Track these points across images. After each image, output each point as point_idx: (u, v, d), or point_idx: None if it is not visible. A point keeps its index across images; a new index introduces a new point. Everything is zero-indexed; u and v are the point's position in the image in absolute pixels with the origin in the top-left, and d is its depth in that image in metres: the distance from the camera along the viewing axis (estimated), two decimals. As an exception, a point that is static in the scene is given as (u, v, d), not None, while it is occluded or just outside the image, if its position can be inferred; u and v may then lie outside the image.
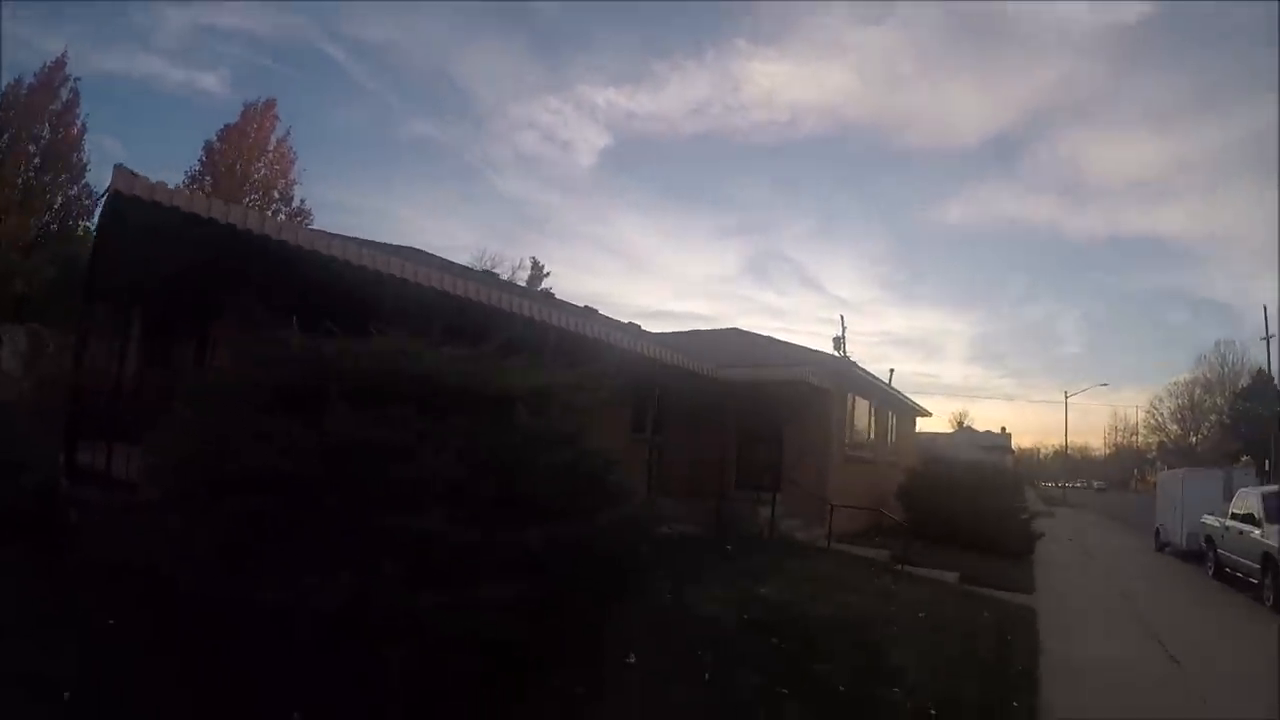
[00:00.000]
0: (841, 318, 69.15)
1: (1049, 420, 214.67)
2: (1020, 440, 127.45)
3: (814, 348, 25.84)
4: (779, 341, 27.51)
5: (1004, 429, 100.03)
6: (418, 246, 21.08)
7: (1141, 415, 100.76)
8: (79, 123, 36.59)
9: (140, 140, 70.26)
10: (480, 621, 5.15)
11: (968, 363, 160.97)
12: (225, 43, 72.48)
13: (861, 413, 24.78)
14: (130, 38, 66.12)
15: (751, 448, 21.20)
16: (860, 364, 24.25)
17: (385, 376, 6.17)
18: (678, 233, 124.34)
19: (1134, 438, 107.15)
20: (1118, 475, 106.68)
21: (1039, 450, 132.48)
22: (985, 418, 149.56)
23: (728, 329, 30.48)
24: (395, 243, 20.26)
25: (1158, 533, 28.66)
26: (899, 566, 15.90)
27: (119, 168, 8.25)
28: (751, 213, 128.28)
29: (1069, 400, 75.71)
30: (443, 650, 5.28)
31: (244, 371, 6.91)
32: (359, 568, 5.06)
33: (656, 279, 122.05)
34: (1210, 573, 20.54)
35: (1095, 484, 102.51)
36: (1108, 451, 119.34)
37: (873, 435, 25.96)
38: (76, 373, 13.17)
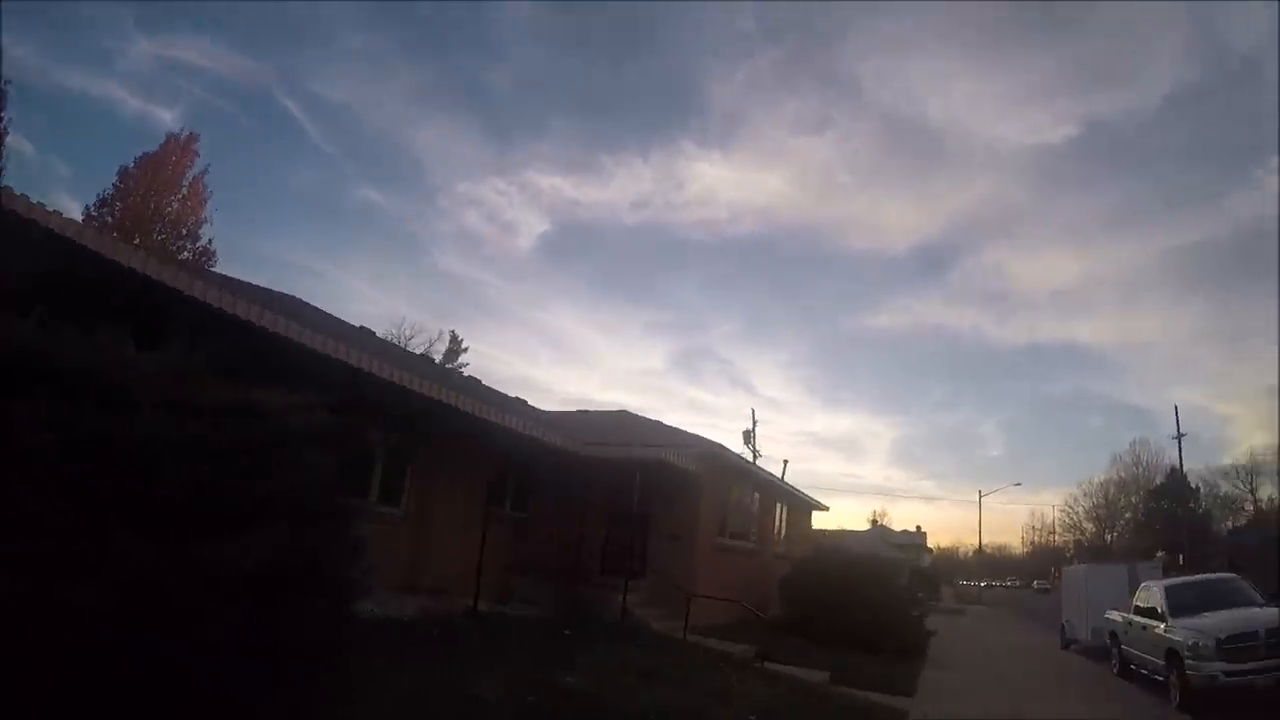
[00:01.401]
0: (752, 411, 67.54)
1: (968, 520, 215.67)
2: (940, 540, 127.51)
3: (719, 439, 24.37)
4: (666, 426, 25.94)
5: (919, 527, 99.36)
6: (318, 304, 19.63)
7: (1058, 514, 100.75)
8: (3, 125, 34.06)
9: (85, 162, 71.62)
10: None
11: (889, 464, 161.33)
12: (187, 79, 72.95)
13: (739, 501, 23.31)
14: (95, 60, 67.10)
15: (619, 531, 19.28)
16: (730, 449, 22.74)
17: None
18: (610, 324, 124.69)
19: (1052, 536, 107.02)
20: (1035, 573, 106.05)
21: (958, 549, 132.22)
22: (905, 517, 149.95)
23: (617, 411, 29.27)
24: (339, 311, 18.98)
25: (1063, 629, 27.36)
26: (759, 663, 14.17)
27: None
28: (684, 309, 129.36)
29: (983, 500, 75.50)
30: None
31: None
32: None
33: (586, 368, 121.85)
34: (1115, 670, 19.16)
35: (1036, 584, 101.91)
36: (1025, 550, 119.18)
37: (755, 526, 24.41)
38: None
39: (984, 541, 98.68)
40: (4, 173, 34.38)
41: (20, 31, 55.54)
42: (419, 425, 15.11)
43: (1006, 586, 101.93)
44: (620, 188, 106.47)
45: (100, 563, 5.03)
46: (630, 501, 18.74)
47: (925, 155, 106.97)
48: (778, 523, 26.88)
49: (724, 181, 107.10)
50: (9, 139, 35.51)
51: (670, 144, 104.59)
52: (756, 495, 24.68)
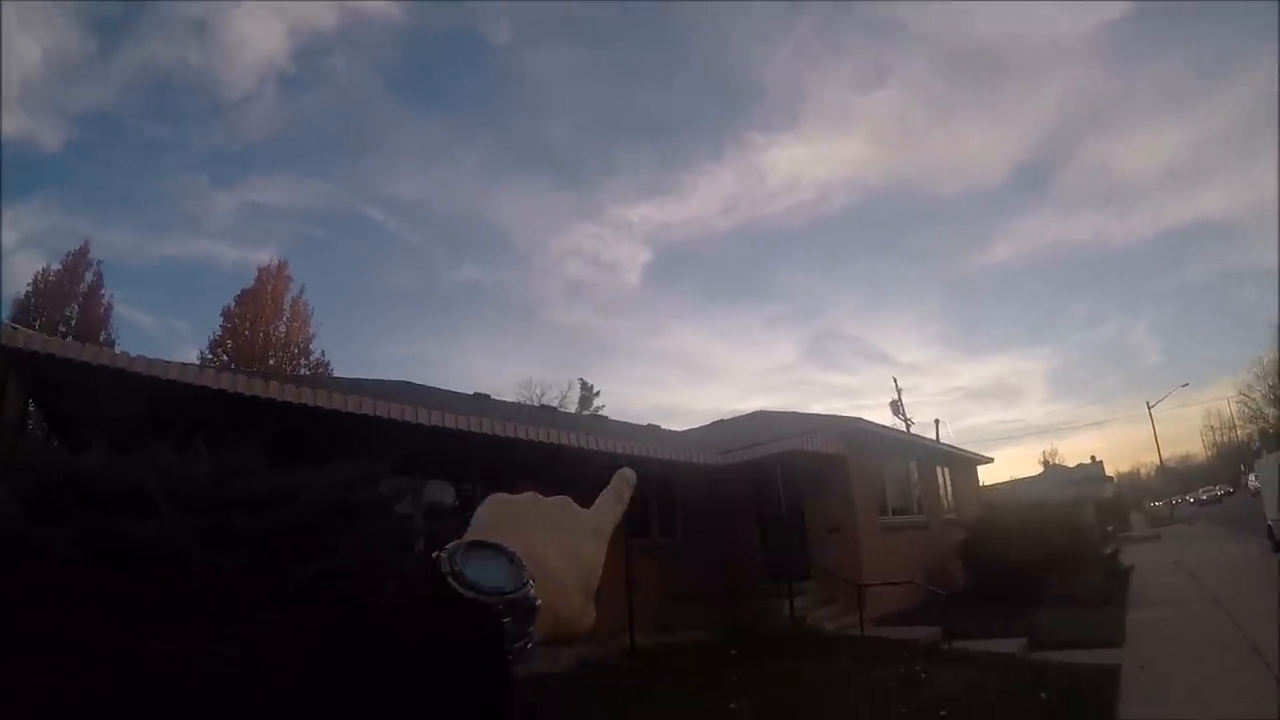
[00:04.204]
0: (894, 380, 66.48)
1: (1143, 437, 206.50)
2: (1118, 465, 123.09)
3: (869, 417, 23.29)
4: (803, 415, 25.23)
5: (1094, 458, 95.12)
6: (474, 391, 21.11)
7: (1234, 407, 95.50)
8: (105, 302, 39.79)
9: (205, 316, 74.14)
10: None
11: (1048, 400, 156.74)
12: (273, 219, 76.75)
13: (895, 474, 22.11)
14: (185, 224, 71.59)
15: (775, 535, 18.63)
16: (870, 421, 21.74)
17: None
18: (732, 331, 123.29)
19: (1233, 432, 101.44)
20: (1225, 477, 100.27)
21: (1139, 470, 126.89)
22: (1078, 451, 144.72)
23: (752, 413, 28.68)
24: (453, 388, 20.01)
25: (1270, 530, 24.92)
26: (947, 644, 13.22)
27: (2, 324, 10.27)
28: (800, 297, 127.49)
29: (1153, 411, 71.35)
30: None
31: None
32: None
33: (720, 381, 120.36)
34: (1338, 560, 17.41)
35: (1202, 493, 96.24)
36: (1209, 454, 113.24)
37: (918, 497, 23.15)
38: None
39: (1164, 455, 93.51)
40: (114, 338, 39.24)
41: (113, 220, 67.73)
42: (542, 474, 14.84)
43: (1189, 502, 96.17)
44: (705, 198, 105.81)
45: (129, 664, 4.96)
46: (777, 500, 18.04)
47: (992, 74, 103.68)
48: (943, 488, 25.45)
49: (802, 162, 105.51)
50: (115, 310, 40.44)
51: (739, 140, 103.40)
52: (913, 464, 23.42)
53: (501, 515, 0.80)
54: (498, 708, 0.58)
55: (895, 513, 21.00)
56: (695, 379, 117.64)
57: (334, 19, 75.99)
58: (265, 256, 76.41)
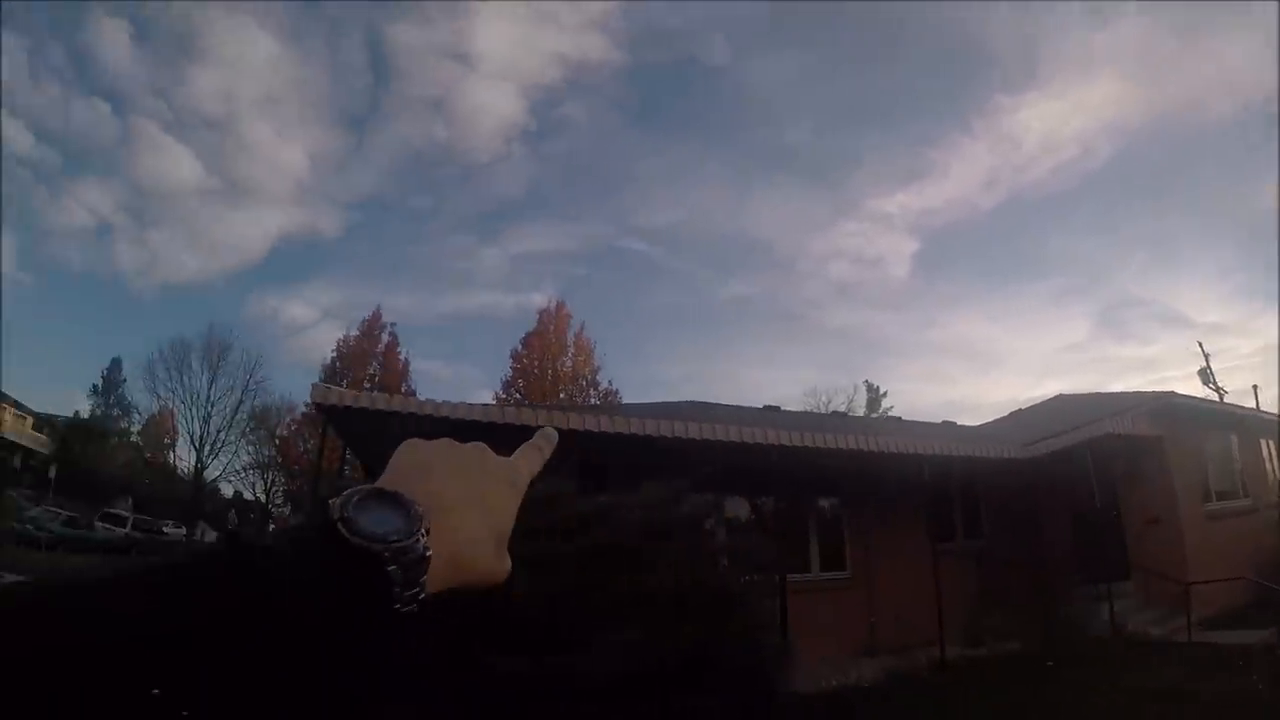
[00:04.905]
0: (1200, 345, 61.38)
1: None
2: None
3: (1177, 390, 21.56)
4: (1107, 395, 23.94)
5: None
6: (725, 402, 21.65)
7: None
8: (402, 358, 46.38)
9: (494, 362, 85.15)
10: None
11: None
12: (542, 264, 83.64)
13: (1216, 452, 20.17)
14: (462, 281, 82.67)
15: (1088, 531, 17.67)
16: (1185, 394, 20.32)
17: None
18: (1013, 313, 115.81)
19: None
20: None
21: None
22: None
23: (1050, 399, 27.47)
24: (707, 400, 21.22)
25: None
26: (1288, 652, 12.40)
27: (315, 384, 11.78)
28: (1082, 265, 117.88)
29: None
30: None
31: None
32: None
33: (1009, 369, 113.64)
34: None
35: None
36: None
37: (1242, 476, 20.92)
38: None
39: None
40: (413, 388, 44.73)
41: (397, 286, 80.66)
42: (839, 481, 15.04)
43: None
44: (961, 176, 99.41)
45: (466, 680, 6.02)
46: (1089, 493, 17.29)
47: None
48: (1270, 465, 22.70)
49: (1055, 117, 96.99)
50: (413, 365, 47.40)
51: (985, 107, 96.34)
52: (1234, 439, 21.15)
53: (413, 461, 0.81)
54: (374, 653, 0.64)
55: (1219, 497, 19.34)
56: (981, 369, 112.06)
57: (559, 73, 79.13)
58: (542, 299, 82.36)
